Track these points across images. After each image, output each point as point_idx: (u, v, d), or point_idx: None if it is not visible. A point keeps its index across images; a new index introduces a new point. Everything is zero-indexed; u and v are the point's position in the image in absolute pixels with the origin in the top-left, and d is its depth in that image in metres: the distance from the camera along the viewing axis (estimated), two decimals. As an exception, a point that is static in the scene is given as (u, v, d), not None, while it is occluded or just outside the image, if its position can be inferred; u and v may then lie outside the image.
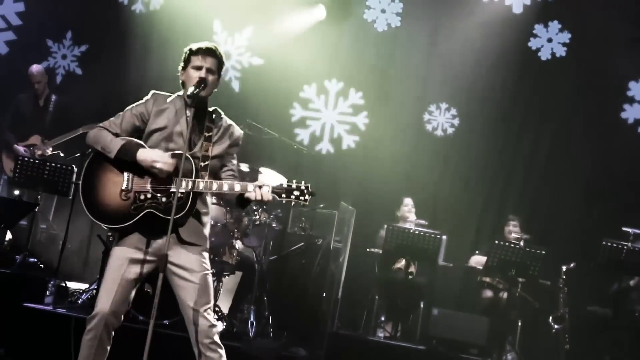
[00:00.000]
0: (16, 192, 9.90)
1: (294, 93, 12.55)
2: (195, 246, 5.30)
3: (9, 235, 9.65)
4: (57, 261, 9.19)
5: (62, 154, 10.62)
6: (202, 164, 5.27)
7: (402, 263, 10.22)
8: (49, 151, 10.63)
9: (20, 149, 10.71)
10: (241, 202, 5.35)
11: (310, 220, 10.19)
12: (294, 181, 5.18)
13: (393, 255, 10.15)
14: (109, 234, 9.22)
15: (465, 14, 12.05)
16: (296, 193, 5.12)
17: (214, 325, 5.24)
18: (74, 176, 9.50)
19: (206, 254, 5.38)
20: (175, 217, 5.09)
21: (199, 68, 5.36)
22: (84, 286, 9.66)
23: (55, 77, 12.60)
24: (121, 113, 5.43)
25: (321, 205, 10.31)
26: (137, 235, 5.26)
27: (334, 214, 10.64)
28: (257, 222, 9.25)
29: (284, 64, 12.51)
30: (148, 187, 5.21)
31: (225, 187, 5.20)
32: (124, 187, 5.24)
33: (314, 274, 10.14)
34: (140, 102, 5.43)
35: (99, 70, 12.67)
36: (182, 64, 5.47)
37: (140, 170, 5.22)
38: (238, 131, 5.59)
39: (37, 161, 9.59)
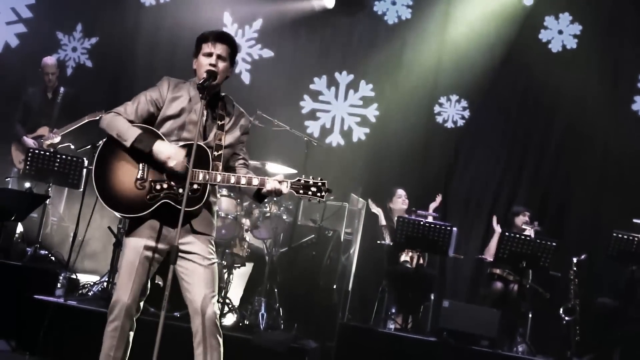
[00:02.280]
0: (27, 185, 9.90)
1: (304, 85, 12.54)
2: (204, 235, 5.30)
3: (19, 228, 9.66)
4: (67, 253, 9.21)
5: (72, 146, 10.61)
6: (216, 153, 5.26)
7: (408, 255, 10.22)
8: (57, 140, 10.62)
9: (30, 141, 10.72)
10: (259, 196, 5.32)
11: (320, 213, 10.18)
12: (311, 177, 5.18)
13: (403, 247, 10.14)
14: (120, 225, 9.27)
15: (476, 5, 12.02)
16: (313, 189, 5.11)
17: (217, 313, 5.25)
18: (85, 168, 9.52)
19: (213, 243, 5.39)
20: (192, 209, 5.11)
21: (209, 55, 5.30)
22: (94, 278, 9.68)
23: (65, 69, 12.59)
24: (136, 98, 5.36)
25: (331, 198, 10.27)
26: (150, 224, 5.24)
27: (344, 206, 10.64)
28: (268, 215, 9.24)
29: (294, 56, 12.55)
30: (164, 177, 5.19)
31: (243, 181, 5.16)
32: (139, 176, 5.20)
33: (325, 266, 10.12)
34: (154, 87, 5.39)
35: (109, 62, 12.68)
36: (194, 51, 5.42)
37: (157, 159, 5.19)
38: (247, 119, 5.58)
39: (47, 153, 9.61)
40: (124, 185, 5.21)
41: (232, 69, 5.48)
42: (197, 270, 5.23)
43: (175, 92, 5.37)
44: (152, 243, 5.24)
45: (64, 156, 9.58)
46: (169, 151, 5.14)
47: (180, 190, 5.14)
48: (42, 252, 9.65)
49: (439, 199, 10.99)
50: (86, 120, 10.45)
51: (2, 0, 12.87)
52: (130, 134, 5.17)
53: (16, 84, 11.83)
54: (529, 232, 10.06)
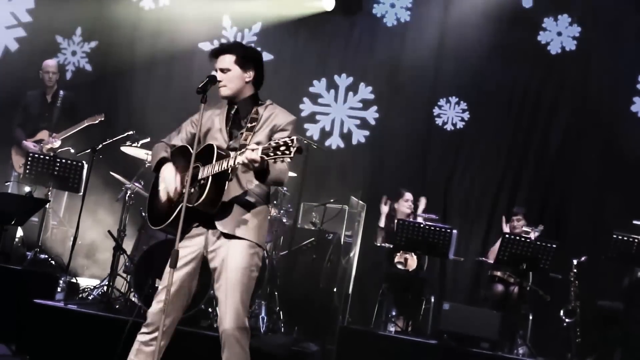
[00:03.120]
0: (27, 189, 9.90)
1: (303, 88, 12.54)
2: (236, 239, 5.28)
3: (19, 232, 9.66)
4: (67, 257, 9.21)
5: (72, 150, 10.65)
6: (238, 153, 5.21)
7: (402, 256, 10.22)
8: (57, 144, 10.66)
9: (30, 144, 10.73)
10: (257, 176, 5.18)
11: (320, 215, 10.19)
12: (278, 138, 4.99)
13: (400, 250, 10.13)
14: (119, 229, 9.29)
15: (475, 7, 12.02)
16: (282, 149, 4.80)
17: (236, 325, 5.21)
18: (84, 172, 9.53)
19: (250, 249, 5.31)
20: (195, 204, 5.13)
21: (216, 71, 5.43)
22: (94, 282, 9.68)
23: (65, 73, 12.60)
24: (183, 123, 5.65)
25: (331, 200, 10.31)
26: (183, 230, 5.27)
27: (344, 208, 10.64)
28: (268, 218, 9.24)
29: (294, 59, 12.56)
30: (186, 182, 5.22)
31: (225, 164, 5.12)
32: (169, 196, 5.38)
33: (325, 269, 10.13)
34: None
35: (108, 66, 12.68)
36: None
37: (183, 169, 5.32)
38: (283, 117, 5.46)
39: (47, 157, 9.64)
40: (160, 202, 5.42)
41: (250, 73, 5.47)
42: (221, 281, 5.27)
43: (212, 108, 5.53)
44: (186, 248, 5.33)
45: (63, 160, 9.60)
46: (163, 176, 5.37)
47: (192, 190, 5.22)
48: (42, 256, 9.65)
49: (423, 200, 10.86)
50: (86, 124, 10.50)
51: (2, 4, 12.90)
52: (154, 161, 5.50)
53: (16, 88, 11.82)
54: (532, 234, 10.06)
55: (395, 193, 10.79)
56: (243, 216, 5.31)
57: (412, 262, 10.12)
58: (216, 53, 5.46)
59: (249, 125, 5.37)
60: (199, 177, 5.22)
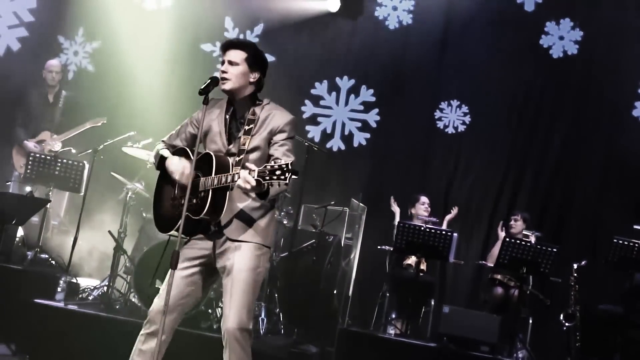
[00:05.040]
0: (27, 189, 9.91)
1: (305, 90, 12.54)
2: (244, 243, 5.29)
3: (20, 232, 9.67)
4: (68, 257, 9.23)
5: (73, 151, 10.65)
6: (237, 158, 5.25)
7: (412, 259, 10.24)
8: (59, 146, 10.68)
9: (31, 145, 10.73)
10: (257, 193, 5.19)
11: (321, 218, 10.19)
12: (275, 161, 4.92)
13: (404, 253, 10.15)
14: (120, 230, 9.31)
15: (477, 11, 12.04)
16: (278, 173, 4.79)
17: (240, 327, 5.22)
18: (85, 172, 9.55)
19: (256, 251, 5.34)
20: (198, 217, 5.17)
21: (222, 63, 5.43)
22: (95, 282, 9.69)
23: (67, 73, 12.59)
24: (183, 122, 5.65)
25: (332, 202, 10.31)
26: (190, 237, 5.40)
27: (345, 211, 10.64)
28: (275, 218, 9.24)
29: (295, 61, 12.55)
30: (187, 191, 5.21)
31: (224, 180, 5.11)
32: (172, 196, 5.42)
33: (325, 271, 10.13)
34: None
35: (110, 67, 12.68)
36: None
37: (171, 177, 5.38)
38: (282, 118, 5.45)
39: (48, 157, 9.66)
40: (165, 207, 5.47)
41: (256, 74, 5.48)
42: (226, 287, 5.29)
43: (211, 108, 5.47)
44: (191, 252, 5.37)
45: (64, 160, 9.63)
46: (173, 167, 5.35)
47: (194, 201, 5.21)
48: (43, 256, 9.66)
49: (454, 211, 11.01)
50: (88, 127, 10.51)
51: (4, 4, 12.89)
52: (157, 159, 5.51)
53: (18, 88, 11.81)
54: (531, 238, 10.06)
55: (411, 198, 10.89)
56: (249, 220, 5.33)
57: (423, 266, 10.15)
58: (229, 45, 5.45)
59: (246, 127, 5.36)
60: (200, 188, 5.21)
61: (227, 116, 5.44)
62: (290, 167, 4.76)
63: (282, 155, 5.29)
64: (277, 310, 9.15)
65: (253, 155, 5.32)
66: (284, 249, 9.83)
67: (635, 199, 11.02)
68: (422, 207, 10.73)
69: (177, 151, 5.53)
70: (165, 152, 5.50)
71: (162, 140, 5.64)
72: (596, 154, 11.53)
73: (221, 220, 5.26)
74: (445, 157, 12.06)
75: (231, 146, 5.35)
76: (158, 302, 5.30)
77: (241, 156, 5.25)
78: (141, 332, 5.38)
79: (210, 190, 5.14)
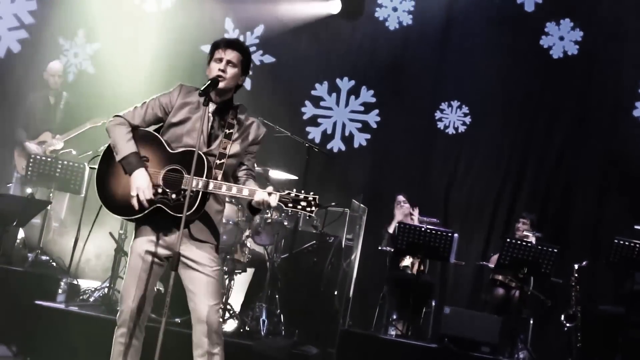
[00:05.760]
0: (28, 190, 9.92)
1: (305, 91, 12.55)
2: (205, 243, 5.28)
3: (21, 234, 9.67)
4: (69, 259, 9.23)
5: (74, 152, 10.66)
6: (218, 161, 5.23)
7: (407, 260, 10.24)
8: (60, 146, 10.69)
9: (32, 146, 10.73)
10: (251, 208, 5.29)
11: (321, 219, 10.18)
12: (302, 192, 5.05)
13: (404, 254, 10.15)
14: (121, 231, 9.29)
15: (477, 12, 12.04)
16: (303, 204, 4.97)
17: (219, 322, 5.27)
18: (86, 174, 9.56)
19: (216, 252, 5.35)
20: (184, 215, 5.05)
21: (219, 60, 5.37)
22: (96, 284, 9.68)
23: (67, 75, 12.59)
24: (146, 101, 5.41)
25: (333, 204, 10.30)
26: (149, 228, 5.27)
27: (345, 212, 10.64)
28: (269, 220, 9.23)
29: (296, 62, 12.55)
30: (160, 182, 5.19)
31: (234, 190, 5.14)
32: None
33: (326, 272, 10.13)
34: (167, 92, 5.41)
35: (111, 68, 12.67)
36: (207, 58, 5.49)
37: (154, 164, 5.24)
38: (260, 129, 5.52)
39: (49, 159, 9.67)
40: (123, 189, 5.24)
41: (244, 78, 5.48)
42: (198, 279, 5.23)
43: (185, 98, 5.38)
44: (152, 247, 5.25)
45: (65, 162, 9.64)
46: (138, 183, 5.13)
47: (174, 196, 5.15)
48: (44, 257, 9.66)
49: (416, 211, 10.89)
50: (88, 127, 10.52)
51: (4, 6, 12.89)
52: (123, 150, 5.23)
53: (18, 89, 11.83)
54: (531, 238, 10.06)
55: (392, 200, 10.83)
56: (212, 222, 5.34)
57: (420, 266, 10.13)
58: (230, 45, 5.43)
59: (227, 131, 5.34)
60: (183, 186, 5.13)
61: (210, 115, 5.35)
62: (317, 201, 4.95)
63: (252, 166, 5.48)
64: (278, 312, 9.13)
65: (231, 161, 5.34)
66: (284, 250, 9.82)
67: (635, 199, 11.01)
68: (401, 207, 10.66)
69: (144, 133, 5.37)
70: (132, 147, 5.24)
71: (122, 116, 5.37)
72: (596, 154, 11.53)
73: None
74: (446, 157, 12.06)
75: (212, 147, 5.29)
76: (127, 300, 5.26)
77: (222, 160, 5.24)
78: (117, 333, 5.34)
79: (201, 194, 5.10)
